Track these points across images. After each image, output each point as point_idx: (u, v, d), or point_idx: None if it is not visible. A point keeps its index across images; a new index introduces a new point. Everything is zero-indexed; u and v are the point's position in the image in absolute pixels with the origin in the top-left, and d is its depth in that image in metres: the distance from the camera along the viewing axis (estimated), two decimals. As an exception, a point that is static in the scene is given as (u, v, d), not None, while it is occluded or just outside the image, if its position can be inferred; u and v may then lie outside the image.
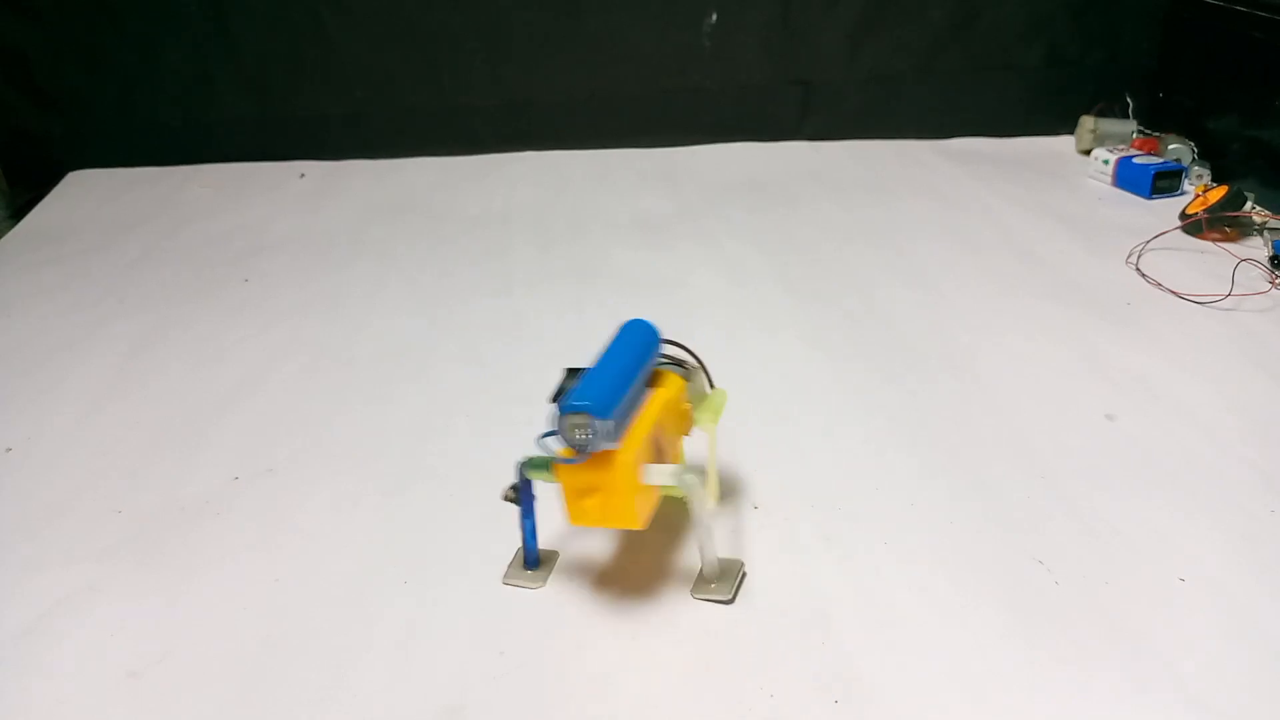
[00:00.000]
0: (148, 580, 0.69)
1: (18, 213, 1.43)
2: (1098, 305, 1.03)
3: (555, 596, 0.66)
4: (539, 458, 0.62)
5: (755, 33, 1.50)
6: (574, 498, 0.60)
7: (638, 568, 0.68)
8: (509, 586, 0.67)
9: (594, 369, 0.61)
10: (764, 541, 0.70)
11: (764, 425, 0.85)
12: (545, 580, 0.67)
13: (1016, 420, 0.84)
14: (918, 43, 1.51)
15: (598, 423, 0.56)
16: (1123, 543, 0.69)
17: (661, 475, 0.59)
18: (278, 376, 0.95)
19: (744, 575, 0.66)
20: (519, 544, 0.68)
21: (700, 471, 0.61)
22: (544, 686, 0.59)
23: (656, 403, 0.64)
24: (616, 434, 0.57)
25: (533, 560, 0.67)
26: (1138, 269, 1.11)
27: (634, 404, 0.61)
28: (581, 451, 0.57)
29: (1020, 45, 1.51)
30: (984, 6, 1.48)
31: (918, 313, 1.03)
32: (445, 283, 1.14)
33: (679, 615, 0.64)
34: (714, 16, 1.48)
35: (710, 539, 0.63)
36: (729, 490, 0.76)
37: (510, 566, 0.68)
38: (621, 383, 0.60)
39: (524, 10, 1.48)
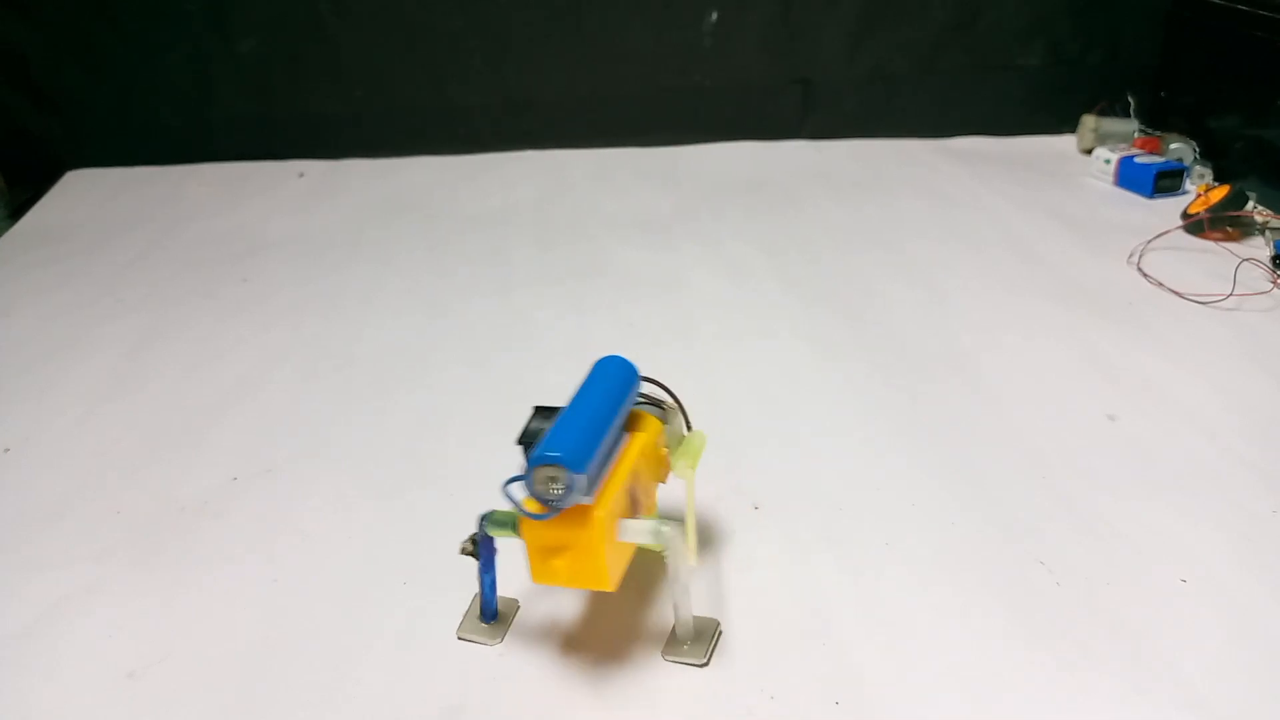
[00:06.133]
0: (147, 581, 0.69)
1: (16, 212, 1.43)
2: (1099, 305, 1.03)
3: (555, 598, 0.66)
4: (503, 513, 0.57)
5: (756, 31, 1.50)
6: (540, 556, 0.54)
7: (636, 571, 0.67)
8: (464, 641, 0.62)
9: (567, 413, 0.56)
10: (764, 542, 0.70)
11: (764, 425, 0.85)
12: (503, 636, 0.63)
13: (1018, 420, 0.84)
14: (918, 42, 1.51)
15: (572, 476, 0.50)
16: (1124, 543, 0.69)
17: (639, 533, 0.55)
18: (277, 376, 0.95)
19: (719, 635, 0.61)
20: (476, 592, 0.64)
21: (679, 523, 0.56)
22: (544, 687, 0.59)
23: (634, 450, 0.58)
24: (591, 488, 0.53)
25: (490, 613, 0.63)
26: (1139, 269, 1.11)
27: (610, 452, 0.56)
28: (552, 507, 0.52)
29: (1021, 44, 1.51)
30: (984, 6, 1.48)
31: (918, 312, 1.03)
32: (445, 282, 1.14)
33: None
34: (714, 15, 1.48)
35: (687, 597, 0.59)
36: (728, 491, 0.76)
37: (465, 618, 0.63)
38: (598, 429, 0.55)
39: (524, 9, 1.47)
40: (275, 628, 0.64)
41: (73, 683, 0.61)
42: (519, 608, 0.65)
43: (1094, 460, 0.78)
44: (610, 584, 0.55)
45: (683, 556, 0.57)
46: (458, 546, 0.60)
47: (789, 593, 0.65)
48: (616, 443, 0.58)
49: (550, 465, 0.51)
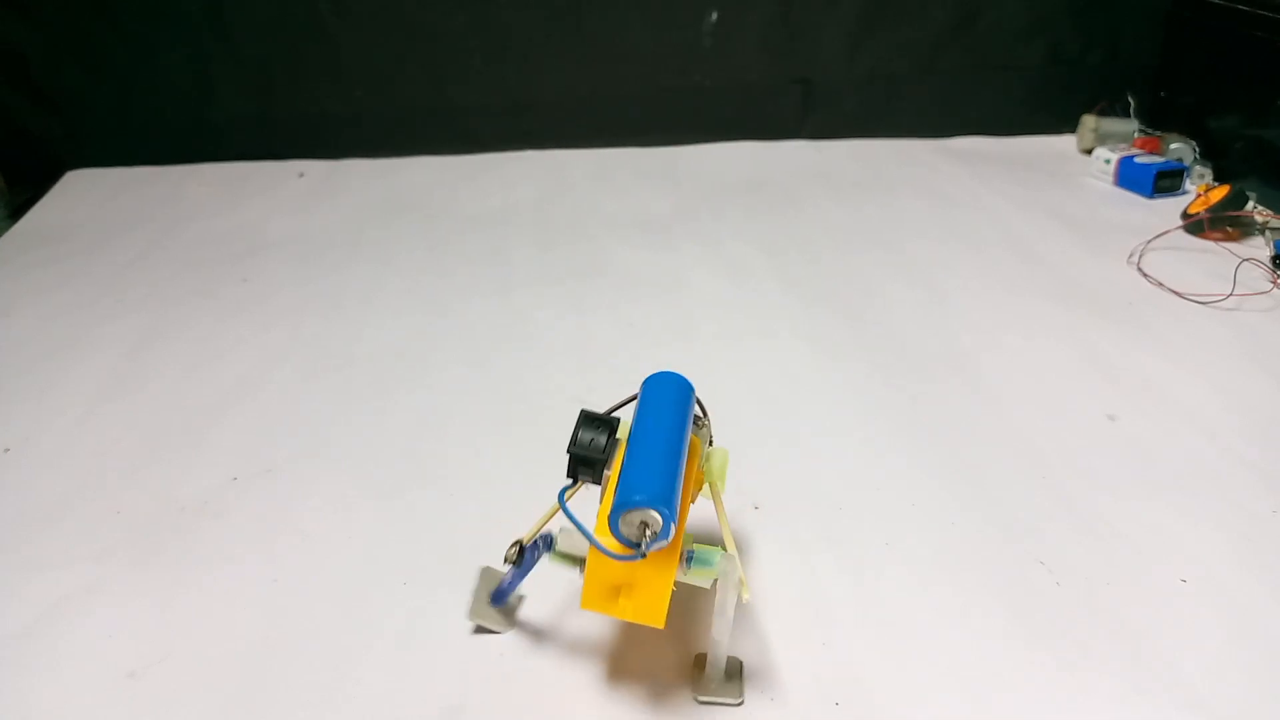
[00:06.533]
0: (147, 580, 0.69)
1: (16, 212, 1.42)
2: (1099, 305, 1.03)
3: (555, 598, 0.66)
4: (569, 554, 0.55)
5: (756, 31, 1.50)
6: (601, 590, 0.51)
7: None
8: (478, 627, 0.63)
9: (645, 445, 0.52)
10: (764, 541, 0.70)
11: (764, 425, 0.85)
12: (513, 622, 0.63)
13: (1018, 420, 0.84)
14: (918, 42, 1.51)
15: (668, 526, 0.48)
16: (1124, 543, 0.69)
17: (703, 573, 0.52)
18: (277, 376, 0.95)
19: (744, 671, 0.59)
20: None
21: (731, 555, 0.52)
22: (544, 687, 0.59)
23: (690, 479, 0.55)
24: (673, 531, 0.49)
25: (500, 598, 0.63)
26: (1139, 269, 1.11)
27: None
28: (638, 552, 0.48)
29: (1021, 44, 1.51)
30: (985, 6, 1.48)
31: (918, 312, 1.03)
32: (445, 282, 1.14)
33: (677, 618, 0.64)
34: (714, 15, 1.48)
35: (728, 634, 0.56)
36: (728, 491, 0.75)
37: (475, 601, 0.63)
38: (676, 468, 0.51)
39: (524, 9, 1.47)
40: (275, 628, 0.64)
41: (73, 683, 0.61)
42: (522, 598, 0.65)
43: (1094, 460, 0.78)
44: (663, 621, 0.52)
45: (734, 590, 0.53)
46: (504, 553, 0.58)
47: (789, 593, 0.65)
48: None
49: (642, 509, 0.48)
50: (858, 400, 0.88)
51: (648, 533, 0.48)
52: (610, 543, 0.49)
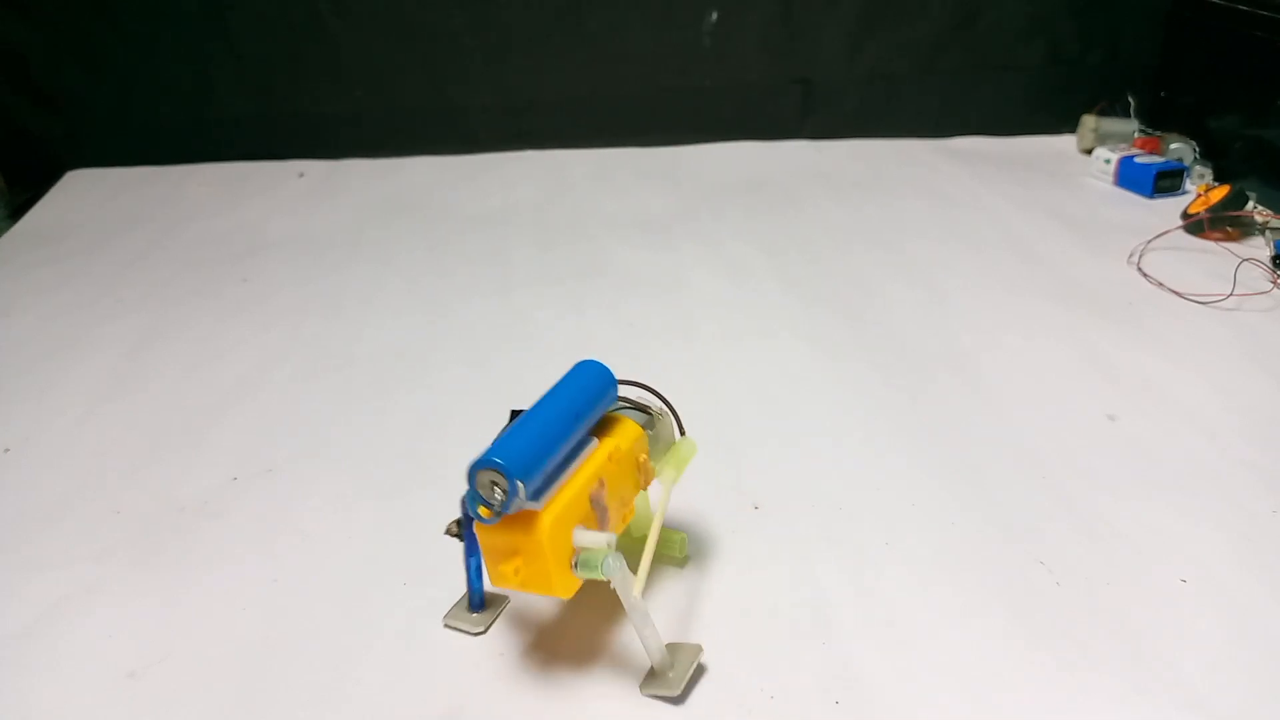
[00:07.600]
0: (147, 580, 0.69)
1: (16, 212, 1.43)
2: (1099, 305, 1.03)
3: (554, 598, 0.66)
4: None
5: (756, 31, 1.50)
6: (493, 559, 0.54)
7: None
8: (450, 629, 0.63)
9: (524, 417, 0.55)
10: (764, 541, 0.70)
11: (764, 425, 0.85)
12: (489, 625, 0.63)
13: (1017, 420, 0.84)
14: (918, 42, 1.51)
15: (512, 483, 0.50)
16: (1124, 543, 0.69)
17: (591, 542, 0.53)
18: (277, 376, 0.95)
19: (699, 663, 0.59)
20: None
21: (619, 555, 0.53)
22: (544, 687, 0.59)
23: (599, 456, 0.57)
24: (540, 495, 0.52)
25: (477, 602, 0.63)
26: (1139, 269, 1.11)
27: (569, 459, 0.55)
28: (496, 512, 0.51)
29: (1021, 44, 1.51)
30: (984, 6, 1.48)
31: (918, 312, 1.03)
32: (445, 282, 1.14)
33: (677, 617, 0.64)
34: (714, 15, 1.48)
35: (648, 626, 0.56)
36: (728, 491, 0.75)
37: (454, 606, 0.64)
38: (553, 435, 0.54)
39: (524, 9, 1.48)
40: (275, 628, 0.64)
41: (73, 683, 0.61)
42: (508, 601, 0.65)
43: (1094, 460, 0.78)
44: (563, 591, 0.54)
45: (629, 588, 0.53)
46: (442, 528, 0.60)
47: (789, 593, 0.65)
48: (579, 449, 0.56)
49: (492, 470, 0.50)
50: (858, 400, 0.88)
51: (496, 492, 0.51)
52: (484, 509, 0.52)
